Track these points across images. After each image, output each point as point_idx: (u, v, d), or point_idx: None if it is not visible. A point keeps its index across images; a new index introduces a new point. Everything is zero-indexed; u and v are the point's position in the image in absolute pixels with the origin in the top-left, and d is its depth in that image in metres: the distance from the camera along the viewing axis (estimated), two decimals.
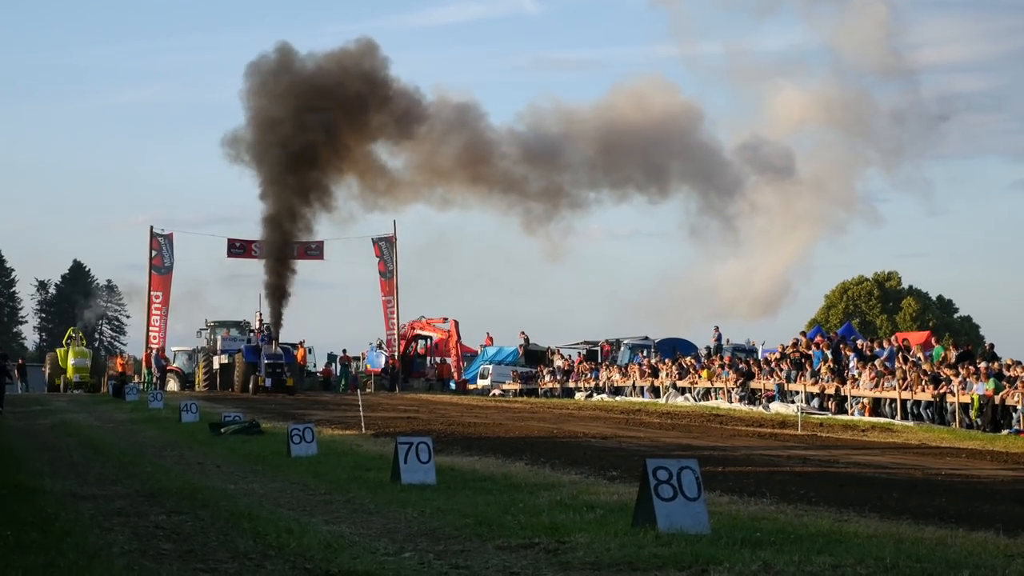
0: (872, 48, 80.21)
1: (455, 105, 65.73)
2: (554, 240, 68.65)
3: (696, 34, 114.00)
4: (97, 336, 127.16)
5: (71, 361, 68.78)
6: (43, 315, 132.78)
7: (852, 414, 38.80)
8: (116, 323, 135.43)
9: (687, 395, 49.53)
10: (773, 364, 46.05)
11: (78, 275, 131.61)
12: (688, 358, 53.84)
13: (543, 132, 67.12)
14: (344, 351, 73.09)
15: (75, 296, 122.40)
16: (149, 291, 70.40)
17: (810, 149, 73.59)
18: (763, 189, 69.25)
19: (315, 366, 72.61)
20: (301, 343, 68.31)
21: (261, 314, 62.34)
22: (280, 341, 60.77)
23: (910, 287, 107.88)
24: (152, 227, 71.48)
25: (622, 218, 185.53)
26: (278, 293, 60.91)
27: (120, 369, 68.29)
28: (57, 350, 72.07)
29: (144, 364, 68.66)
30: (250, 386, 57.85)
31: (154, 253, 70.32)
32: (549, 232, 67.39)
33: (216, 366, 62.60)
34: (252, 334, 62.50)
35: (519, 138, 66.20)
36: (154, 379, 64.97)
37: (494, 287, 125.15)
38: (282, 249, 61.71)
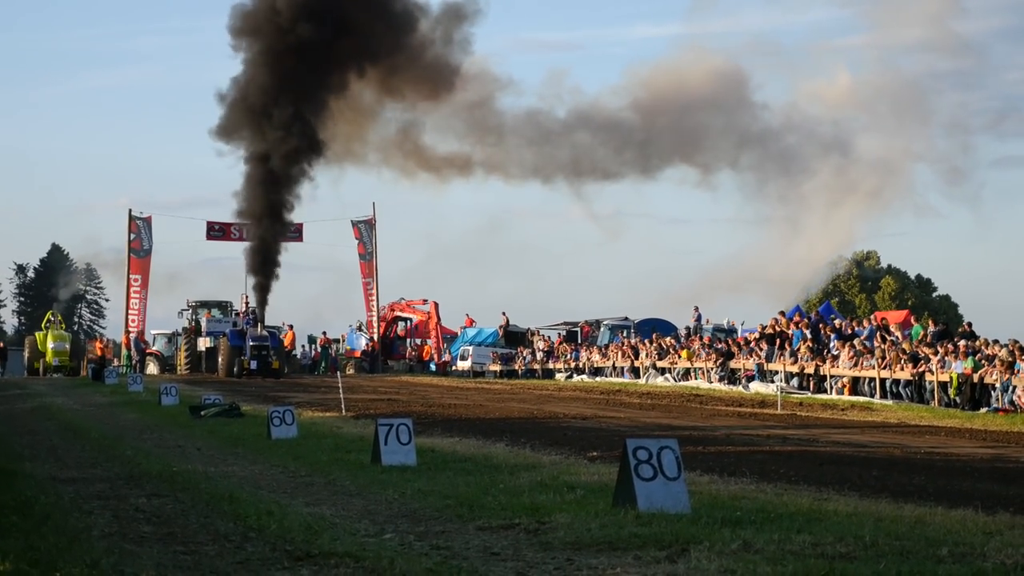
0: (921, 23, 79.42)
1: (481, 75, 63.92)
2: (606, 219, 67.74)
3: (726, 11, 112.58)
4: (76, 319, 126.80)
5: (50, 345, 68.54)
6: (22, 299, 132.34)
7: (831, 393, 38.92)
8: (95, 306, 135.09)
9: (667, 375, 49.62)
10: (752, 344, 46.14)
11: (56, 258, 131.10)
12: (668, 338, 53.92)
13: (578, 105, 66.03)
14: (324, 333, 72.99)
15: (54, 278, 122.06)
16: (128, 274, 70.19)
17: (851, 131, 72.33)
18: (816, 167, 68.40)
19: (302, 348, 72.18)
20: (290, 327, 67.69)
21: (248, 296, 60.71)
22: (265, 324, 59.31)
23: (889, 266, 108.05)
24: (131, 210, 71.34)
25: (669, 201, 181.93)
26: (264, 272, 58.38)
27: (99, 352, 68.13)
28: (36, 334, 71.83)
29: (123, 347, 68.47)
30: (235, 369, 56.56)
31: (133, 236, 70.11)
32: (596, 209, 66.51)
33: (201, 349, 61.43)
34: (237, 316, 61.56)
35: (568, 109, 64.95)
36: (133, 362, 64.75)
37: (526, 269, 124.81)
38: (269, 226, 58.24)
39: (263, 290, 58.52)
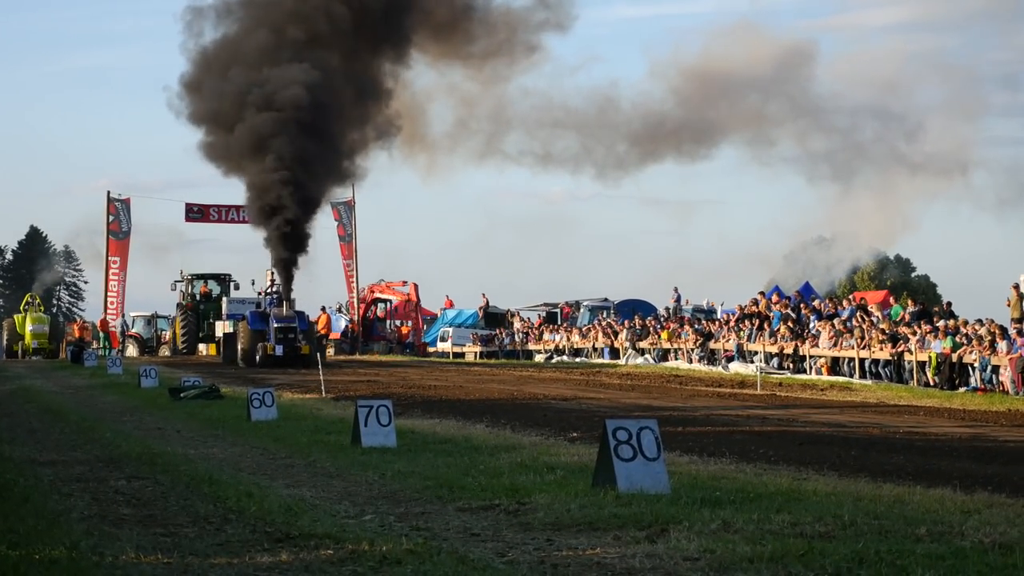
0: None
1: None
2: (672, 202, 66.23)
3: None
4: (55, 302, 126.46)
5: (29, 327, 68.21)
6: (0, 281, 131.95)
7: (811, 373, 39.01)
8: (74, 289, 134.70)
9: (647, 356, 49.65)
10: (732, 324, 46.21)
11: (35, 241, 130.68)
12: (648, 319, 53.95)
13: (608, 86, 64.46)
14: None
15: (34, 261, 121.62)
16: (107, 256, 69.91)
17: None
18: (866, 151, 67.44)
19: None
20: (322, 309, 64.94)
21: (273, 273, 52.63)
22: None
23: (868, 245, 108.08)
24: (109, 192, 71.04)
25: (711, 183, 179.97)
26: (292, 245, 49.39)
27: (78, 335, 67.88)
28: (15, 316, 71.49)
29: (100, 329, 68.17)
30: (257, 356, 47.60)
31: (111, 218, 69.81)
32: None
33: (220, 334, 55.33)
34: (259, 295, 54.79)
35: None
36: (125, 343, 64.36)
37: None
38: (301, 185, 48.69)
39: (289, 265, 50.00)
